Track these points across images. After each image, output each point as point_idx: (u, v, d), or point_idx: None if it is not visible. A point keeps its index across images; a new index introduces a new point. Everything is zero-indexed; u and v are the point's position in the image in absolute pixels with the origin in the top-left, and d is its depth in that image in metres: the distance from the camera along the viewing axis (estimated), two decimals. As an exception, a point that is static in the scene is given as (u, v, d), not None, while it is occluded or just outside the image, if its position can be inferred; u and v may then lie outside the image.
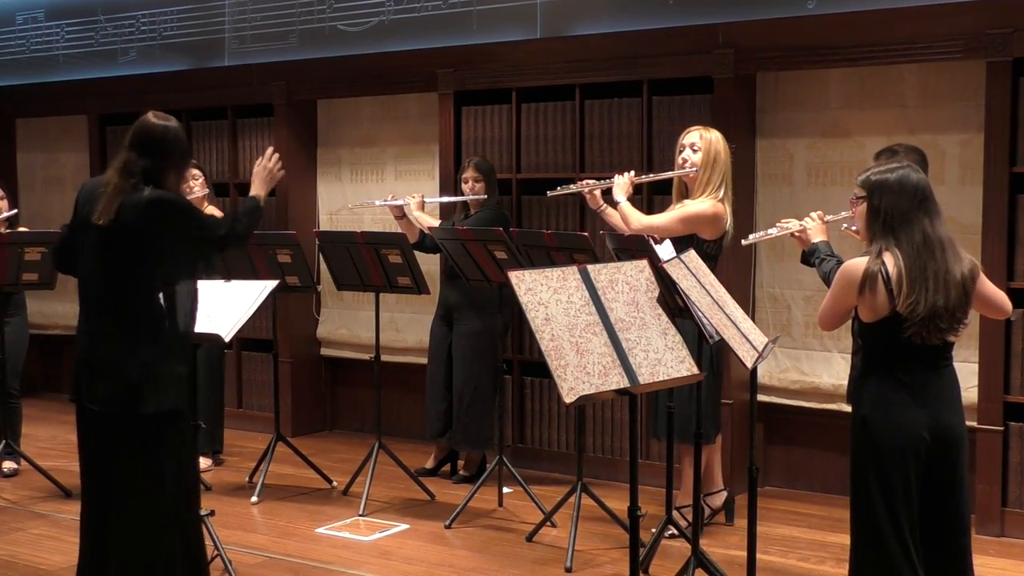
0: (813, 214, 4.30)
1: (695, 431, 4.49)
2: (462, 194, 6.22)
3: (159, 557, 3.83)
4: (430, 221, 6.12)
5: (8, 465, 6.42)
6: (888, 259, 3.39)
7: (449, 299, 6.21)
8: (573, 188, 5.32)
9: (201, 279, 4.10)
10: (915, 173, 3.48)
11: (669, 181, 5.30)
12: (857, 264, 3.44)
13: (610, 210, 5.26)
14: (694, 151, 5.10)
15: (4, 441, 6.21)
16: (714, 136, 5.12)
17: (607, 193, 5.25)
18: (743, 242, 4.79)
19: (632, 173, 5.19)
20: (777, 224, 4.44)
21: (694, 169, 5.09)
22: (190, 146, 4.11)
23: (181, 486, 3.89)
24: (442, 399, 6.27)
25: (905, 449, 3.42)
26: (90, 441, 3.90)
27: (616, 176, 5.19)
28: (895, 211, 3.41)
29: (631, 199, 5.17)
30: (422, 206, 6.18)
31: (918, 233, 3.40)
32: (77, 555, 3.94)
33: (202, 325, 4.46)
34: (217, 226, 4.10)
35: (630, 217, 5.08)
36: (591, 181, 5.30)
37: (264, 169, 4.57)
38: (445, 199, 6.41)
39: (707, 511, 5.35)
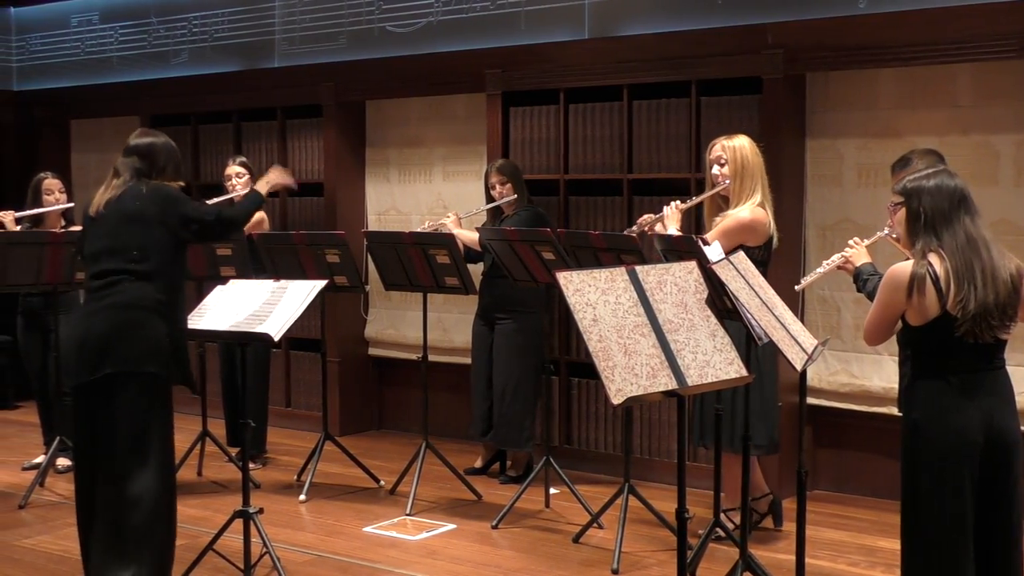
0: (851, 240, 4.28)
1: (743, 435, 4.47)
2: (492, 199, 6.23)
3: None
4: (469, 235, 6.12)
5: (62, 462, 6.51)
6: (934, 260, 3.35)
7: (490, 299, 6.21)
8: (635, 229, 5.25)
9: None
10: (951, 178, 3.46)
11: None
12: (902, 268, 3.40)
13: None
14: (721, 164, 5.06)
15: (58, 438, 6.30)
16: (737, 143, 5.06)
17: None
18: (796, 287, 4.75)
19: (678, 202, 5.14)
20: (825, 263, 4.43)
21: (727, 182, 5.05)
22: (180, 161, 4.50)
23: (165, 451, 4.16)
24: (485, 398, 6.29)
25: (958, 453, 3.38)
26: (85, 416, 4.10)
27: (664, 208, 5.15)
28: (936, 212, 3.39)
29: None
30: (459, 223, 6.20)
31: (961, 232, 3.37)
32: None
33: (251, 325, 4.51)
34: (208, 212, 4.35)
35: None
36: (647, 217, 5.23)
37: (279, 174, 5.00)
38: (479, 209, 6.40)
39: (754, 515, 5.31)
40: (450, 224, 6.18)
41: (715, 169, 5.08)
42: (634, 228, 5.26)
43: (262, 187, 4.90)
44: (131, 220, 4.08)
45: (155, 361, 4.07)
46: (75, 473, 4.25)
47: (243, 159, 6.73)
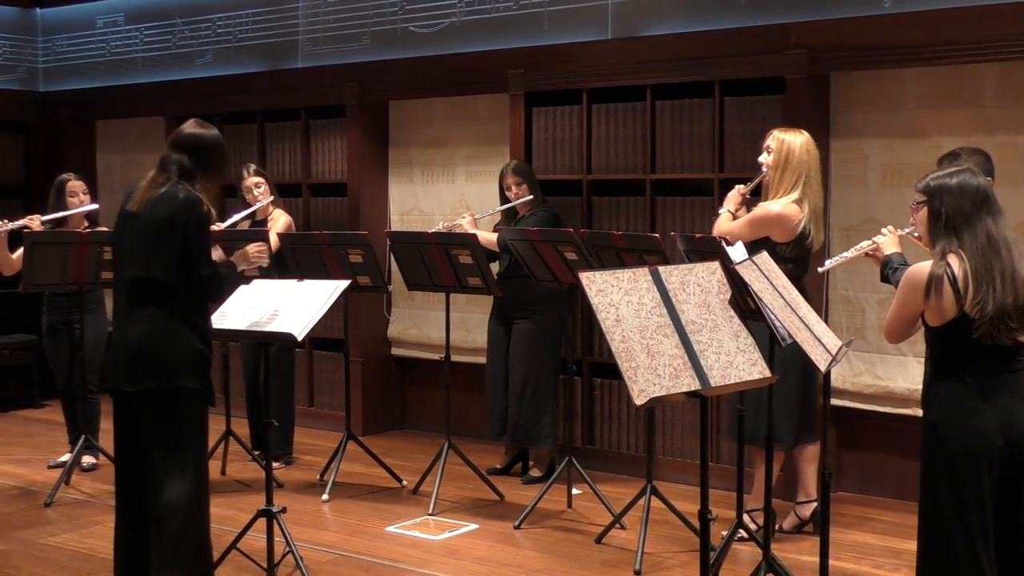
0: (884, 229, 4.26)
1: (766, 435, 4.46)
2: (507, 200, 6.24)
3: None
4: (486, 235, 6.13)
5: (87, 460, 6.56)
6: (953, 260, 3.34)
7: (505, 299, 6.21)
8: (722, 210, 5.26)
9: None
10: (974, 177, 3.44)
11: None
12: (921, 268, 3.38)
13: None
14: (768, 153, 5.07)
15: (83, 437, 6.35)
16: (788, 136, 5.06)
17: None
18: (819, 269, 4.75)
19: (742, 187, 5.19)
20: (853, 248, 4.41)
21: (766, 170, 5.06)
22: (227, 158, 4.30)
23: (202, 463, 4.10)
24: (501, 398, 6.31)
25: (978, 455, 3.35)
26: (124, 425, 4.07)
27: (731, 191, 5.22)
28: (957, 212, 3.37)
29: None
30: (475, 224, 6.21)
31: (982, 233, 3.35)
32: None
33: (275, 324, 4.52)
34: (208, 264, 4.11)
35: (716, 226, 5.12)
36: (736, 188, 5.25)
37: (249, 255, 4.69)
38: (494, 210, 6.41)
39: (795, 520, 5.30)
40: (466, 225, 6.18)
41: (762, 156, 5.11)
42: (721, 209, 5.29)
43: (240, 263, 4.62)
44: (161, 227, 3.99)
45: (193, 376, 4.03)
46: (115, 476, 4.25)
47: (256, 167, 6.73)
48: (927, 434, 3.47)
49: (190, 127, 4.17)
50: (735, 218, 5.14)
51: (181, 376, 3.99)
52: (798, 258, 5.04)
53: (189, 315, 4.04)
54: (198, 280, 4.04)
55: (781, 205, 4.99)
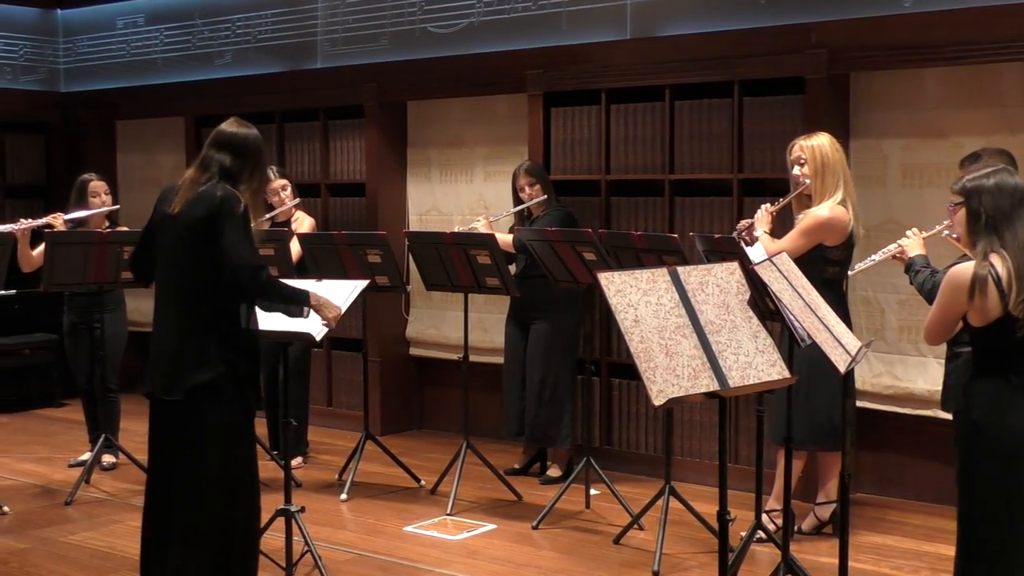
0: (909, 232, 4.26)
1: (784, 435, 4.45)
2: (520, 201, 6.24)
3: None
4: (504, 237, 6.12)
5: (107, 459, 6.59)
6: (996, 260, 3.32)
7: (522, 299, 6.21)
8: (734, 235, 5.23)
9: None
10: (1011, 176, 3.43)
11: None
12: (964, 269, 3.36)
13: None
14: (801, 164, 5.05)
15: (103, 436, 6.37)
16: (815, 141, 5.04)
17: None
18: (848, 273, 4.73)
19: (768, 205, 5.14)
20: (880, 252, 4.40)
21: (808, 182, 5.03)
22: (268, 158, 4.11)
23: (232, 474, 3.94)
24: (518, 398, 6.31)
25: (1019, 455, 3.33)
26: (161, 431, 3.95)
27: (757, 211, 5.14)
28: (996, 212, 3.35)
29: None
30: (490, 227, 6.20)
31: (1021, 231, 3.33)
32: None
33: (293, 324, 4.52)
34: (258, 257, 3.92)
35: (763, 248, 5.06)
36: (744, 222, 5.21)
37: (323, 309, 4.31)
38: (509, 212, 6.40)
39: (814, 521, 5.28)
40: (481, 228, 6.16)
41: (795, 170, 5.07)
42: (734, 234, 5.26)
43: (312, 301, 4.24)
44: (197, 227, 3.82)
45: (225, 387, 3.89)
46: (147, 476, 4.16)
47: (280, 168, 6.74)
48: (968, 433, 3.44)
49: (232, 126, 4.03)
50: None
51: (210, 388, 3.85)
52: (845, 259, 5.02)
53: (222, 320, 3.87)
54: (248, 272, 3.82)
55: (828, 209, 4.97)
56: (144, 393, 3.98)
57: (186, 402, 3.86)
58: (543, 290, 5.99)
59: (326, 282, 4.86)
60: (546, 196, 6.22)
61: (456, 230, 6.27)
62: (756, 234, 5.09)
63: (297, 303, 4.16)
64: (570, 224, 5.98)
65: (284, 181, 6.57)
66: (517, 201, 6.29)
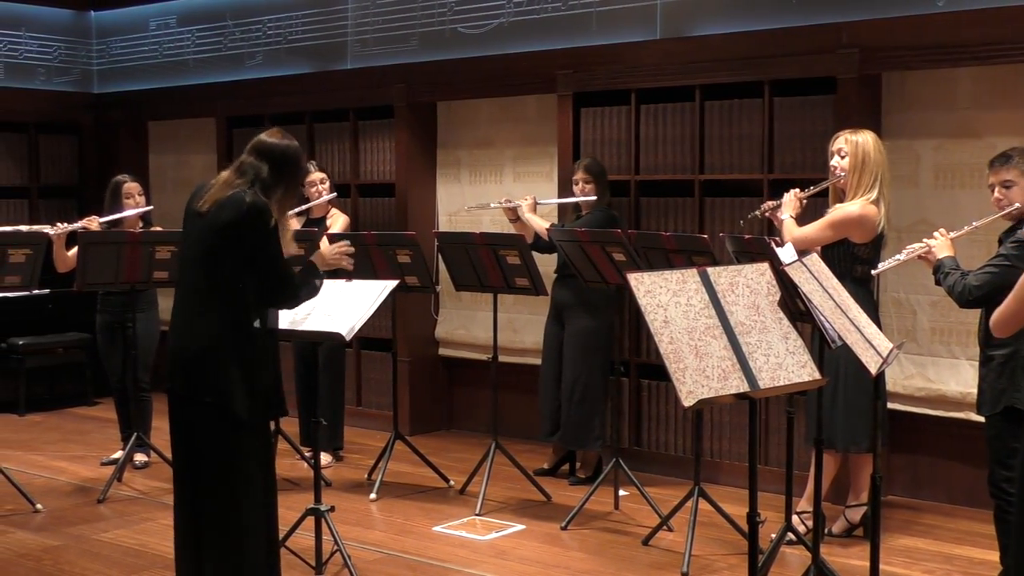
0: (936, 232, 4.22)
1: (815, 437, 4.43)
2: (575, 196, 6.24)
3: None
4: (540, 223, 6.16)
5: (139, 457, 6.64)
6: None
7: (560, 298, 6.22)
8: (757, 214, 5.25)
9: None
10: None
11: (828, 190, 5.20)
12: None
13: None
14: (841, 156, 5.03)
15: (135, 434, 6.42)
16: (861, 138, 5.03)
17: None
18: (872, 271, 4.71)
19: (797, 190, 5.13)
20: (905, 249, 4.37)
21: (843, 175, 5.01)
22: (304, 172, 4.09)
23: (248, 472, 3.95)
24: (553, 398, 6.30)
25: None
26: (182, 429, 3.97)
27: (785, 194, 5.14)
28: None
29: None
30: (534, 208, 6.23)
31: None
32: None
33: (323, 324, 4.54)
34: (284, 266, 3.94)
35: (785, 232, 5.05)
36: (769, 203, 5.24)
37: (326, 257, 4.49)
38: (556, 201, 6.43)
39: (845, 524, 5.25)
40: (525, 207, 6.21)
41: (834, 160, 5.07)
42: (756, 212, 5.25)
43: (318, 262, 4.45)
44: (219, 231, 3.82)
45: (246, 394, 3.88)
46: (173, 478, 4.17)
47: (316, 163, 6.78)
48: None
49: (274, 137, 3.98)
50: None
51: (231, 395, 3.84)
52: (873, 259, 5.00)
53: (240, 320, 3.87)
54: (275, 282, 3.87)
55: (860, 205, 4.96)
56: (164, 390, 4.01)
57: (204, 401, 3.86)
58: (582, 288, 5.98)
59: (356, 282, 4.88)
60: (596, 197, 6.20)
61: (501, 200, 6.35)
62: (782, 217, 5.08)
63: (316, 277, 4.15)
64: (607, 226, 5.93)
65: (323, 174, 6.60)
66: (571, 194, 6.30)
